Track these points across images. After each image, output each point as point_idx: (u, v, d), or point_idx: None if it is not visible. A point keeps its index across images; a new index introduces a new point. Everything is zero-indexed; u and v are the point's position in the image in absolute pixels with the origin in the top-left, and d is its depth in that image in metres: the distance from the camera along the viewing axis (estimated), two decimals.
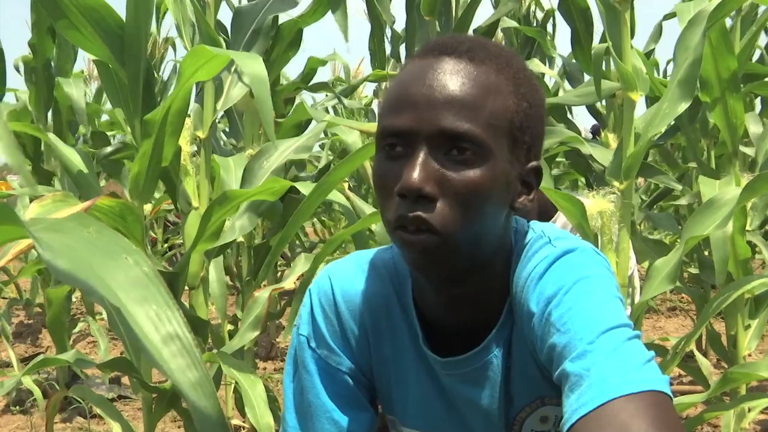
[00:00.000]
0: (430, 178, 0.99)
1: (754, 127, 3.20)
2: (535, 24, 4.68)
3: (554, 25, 4.53)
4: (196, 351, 0.61)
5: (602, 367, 0.88)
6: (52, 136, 2.50)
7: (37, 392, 3.54)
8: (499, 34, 4.17)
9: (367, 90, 7.14)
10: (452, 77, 1.01)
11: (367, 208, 2.59)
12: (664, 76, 5.26)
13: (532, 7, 4.60)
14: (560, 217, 2.63)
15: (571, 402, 0.87)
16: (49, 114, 3.92)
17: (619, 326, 0.94)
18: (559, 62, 4.36)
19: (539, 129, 1.10)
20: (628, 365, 0.88)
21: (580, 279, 1.02)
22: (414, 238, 1.01)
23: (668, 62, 5.74)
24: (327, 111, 6.28)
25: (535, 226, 1.18)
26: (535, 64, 3.22)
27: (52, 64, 3.83)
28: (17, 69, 4.13)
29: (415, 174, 0.98)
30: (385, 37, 4.25)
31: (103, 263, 0.59)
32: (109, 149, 3.90)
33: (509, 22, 3.70)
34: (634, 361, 0.89)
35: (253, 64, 1.84)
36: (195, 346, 0.60)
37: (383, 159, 1.05)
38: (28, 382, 3.42)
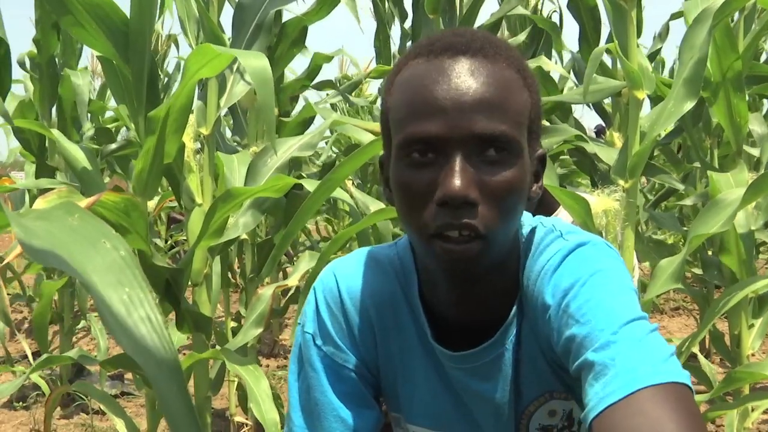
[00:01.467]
0: (471, 184, 0.98)
1: (759, 129, 3.19)
2: None
3: (561, 23, 4.52)
4: (167, 334, 0.61)
5: (628, 357, 0.88)
6: (56, 132, 2.50)
7: (45, 388, 3.55)
8: (505, 33, 4.16)
9: (372, 88, 7.12)
10: (475, 78, 1.00)
11: (372, 205, 2.59)
12: (671, 75, 5.25)
13: (539, 5, 4.59)
14: (561, 213, 2.63)
15: (597, 390, 0.87)
16: (53, 110, 3.92)
17: (639, 318, 0.94)
18: (566, 58, 4.37)
19: (541, 117, 1.11)
20: (653, 356, 0.88)
21: (596, 271, 1.02)
22: (456, 247, 1.00)
23: (675, 62, 5.75)
24: (335, 108, 6.27)
25: (545, 220, 1.18)
26: (544, 62, 3.21)
27: (57, 60, 3.83)
28: (21, 65, 4.13)
29: (458, 181, 0.97)
30: (390, 35, 4.25)
31: (82, 248, 0.60)
32: (113, 146, 3.90)
33: (521, 10, 3.67)
34: (659, 353, 0.89)
35: (257, 63, 1.83)
36: (166, 329, 0.61)
37: (407, 166, 1.03)
38: (35, 377, 3.43)
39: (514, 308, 1.13)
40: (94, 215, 0.65)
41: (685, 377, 0.86)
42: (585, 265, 1.03)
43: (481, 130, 0.98)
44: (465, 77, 1.00)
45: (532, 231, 1.15)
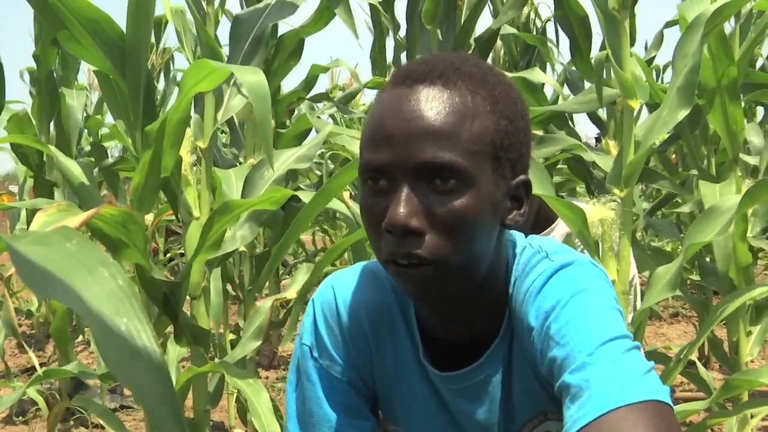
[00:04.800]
0: (414, 213, 0.99)
1: (756, 139, 3.20)
2: (535, 32, 4.68)
3: (557, 32, 4.54)
4: (165, 366, 0.61)
5: (602, 378, 0.88)
6: (52, 147, 2.51)
7: (42, 403, 3.55)
8: (498, 43, 4.17)
9: (366, 98, 7.14)
10: (426, 106, 1.00)
11: None
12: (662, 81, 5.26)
13: (532, 15, 4.61)
14: (561, 223, 2.64)
15: (572, 413, 0.88)
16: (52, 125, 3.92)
17: (618, 338, 0.94)
18: (559, 69, 4.38)
19: (523, 143, 1.08)
20: (627, 376, 0.89)
21: (577, 292, 1.02)
22: (408, 271, 1.01)
23: (665, 68, 5.77)
24: (334, 120, 6.30)
25: (532, 241, 1.18)
26: (536, 74, 3.21)
27: (55, 74, 3.84)
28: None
29: (400, 210, 0.98)
30: (386, 46, 4.25)
31: (80, 276, 0.59)
32: (111, 160, 3.91)
33: (509, 29, 3.69)
34: (634, 371, 0.90)
35: (254, 78, 1.84)
36: (163, 360, 0.60)
37: (368, 193, 1.04)
38: (32, 393, 3.42)
39: (502, 331, 1.14)
40: (91, 241, 0.65)
41: (662, 394, 0.86)
42: (567, 286, 1.04)
43: (427, 159, 0.98)
44: (416, 106, 1.00)
45: (521, 252, 1.15)
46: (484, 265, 1.08)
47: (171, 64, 6.11)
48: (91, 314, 0.56)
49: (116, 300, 0.59)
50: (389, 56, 4.31)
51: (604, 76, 3.28)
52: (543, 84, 3.37)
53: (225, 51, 2.68)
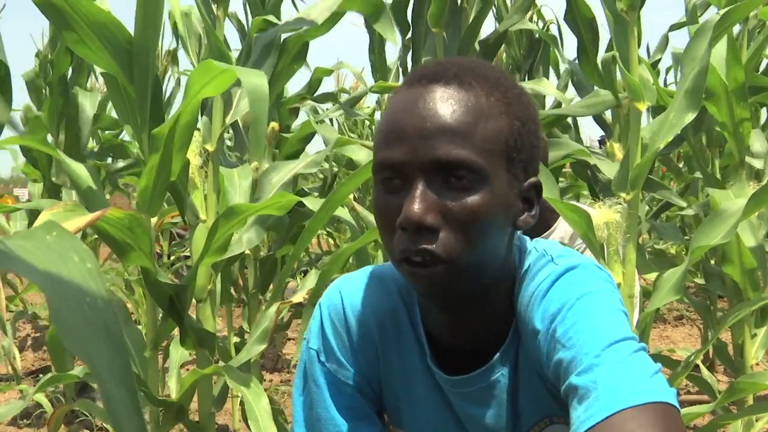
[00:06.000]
0: (430, 209, 1.00)
1: (759, 144, 3.20)
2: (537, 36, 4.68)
3: (560, 34, 4.53)
4: (125, 343, 0.63)
5: (609, 379, 0.89)
6: (60, 152, 2.51)
7: (48, 407, 3.55)
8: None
9: (370, 101, 7.13)
10: (442, 105, 1.01)
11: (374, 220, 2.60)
12: (664, 85, 5.27)
13: (535, 18, 4.60)
14: (559, 227, 2.63)
15: (579, 414, 0.88)
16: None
17: (624, 339, 0.95)
18: (564, 70, 4.38)
19: (534, 145, 1.10)
20: (635, 377, 0.89)
21: (582, 295, 1.03)
22: (421, 271, 1.02)
23: (668, 71, 5.78)
24: (331, 122, 6.30)
25: (537, 245, 1.18)
26: (544, 85, 3.22)
27: (68, 78, 3.85)
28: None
29: (416, 206, 0.99)
30: (385, 48, 4.25)
31: (52, 261, 0.62)
32: (121, 164, 3.91)
33: (526, 24, 3.68)
34: (641, 373, 0.90)
35: (256, 80, 1.85)
36: (125, 339, 0.62)
37: (382, 192, 1.05)
38: (37, 396, 3.42)
39: (510, 335, 1.14)
40: (70, 232, 0.67)
41: (669, 396, 0.87)
42: (573, 289, 1.04)
43: (441, 156, 0.99)
44: (432, 104, 1.01)
45: (526, 256, 1.16)
46: (494, 267, 1.08)
47: (174, 67, 6.11)
48: (54, 291, 0.59)
49: (82, 281, 0.62)
50: (391, 58, 4.31)
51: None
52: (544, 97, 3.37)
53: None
